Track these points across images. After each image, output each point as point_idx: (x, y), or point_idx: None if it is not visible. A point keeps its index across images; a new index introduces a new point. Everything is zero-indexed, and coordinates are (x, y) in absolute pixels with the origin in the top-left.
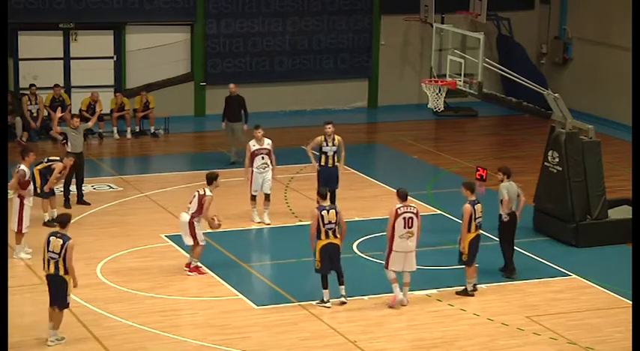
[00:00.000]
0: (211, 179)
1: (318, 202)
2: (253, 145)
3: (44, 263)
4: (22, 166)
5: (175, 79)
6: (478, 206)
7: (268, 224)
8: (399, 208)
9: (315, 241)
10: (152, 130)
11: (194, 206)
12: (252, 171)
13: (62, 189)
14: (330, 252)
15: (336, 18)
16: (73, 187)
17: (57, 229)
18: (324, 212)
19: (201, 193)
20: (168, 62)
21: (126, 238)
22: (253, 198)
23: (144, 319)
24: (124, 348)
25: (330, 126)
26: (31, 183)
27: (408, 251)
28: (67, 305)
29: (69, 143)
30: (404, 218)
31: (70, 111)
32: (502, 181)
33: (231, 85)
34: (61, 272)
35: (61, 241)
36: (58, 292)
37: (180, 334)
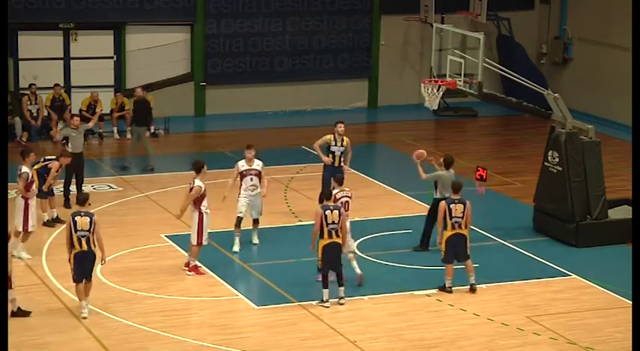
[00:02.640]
0: (199, 167)
1: (321, 202)
2: (242, 165)
3: (74, 243)
4: (25, 169)
5: (175, 79)
6: (458, 206)
7: (256, 243)
8: (337, 193)
9: (318, 241)
10: (152, 130)
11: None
12: (240, 192)
13: (62, 189)
14: (332, 252)
15: (336, 18)
16: (73, 187)
17: (78, 209)
18: (327, 212)
19: (192, 185)
20: (168, 62)
21: (126, 238)
22: (238, 223)
23: (144, 319)
24: (124, 348)
25: (342, 125)
26: (34, 183)
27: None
28: (91, 276)
29: (69, 143)
30: (341, 202)
31: (70, 111)
32: (439, 168)
33: (138, 90)
34: (92, 247)
35: (88, 219)
36: (90, 266)
37: (180, 334)
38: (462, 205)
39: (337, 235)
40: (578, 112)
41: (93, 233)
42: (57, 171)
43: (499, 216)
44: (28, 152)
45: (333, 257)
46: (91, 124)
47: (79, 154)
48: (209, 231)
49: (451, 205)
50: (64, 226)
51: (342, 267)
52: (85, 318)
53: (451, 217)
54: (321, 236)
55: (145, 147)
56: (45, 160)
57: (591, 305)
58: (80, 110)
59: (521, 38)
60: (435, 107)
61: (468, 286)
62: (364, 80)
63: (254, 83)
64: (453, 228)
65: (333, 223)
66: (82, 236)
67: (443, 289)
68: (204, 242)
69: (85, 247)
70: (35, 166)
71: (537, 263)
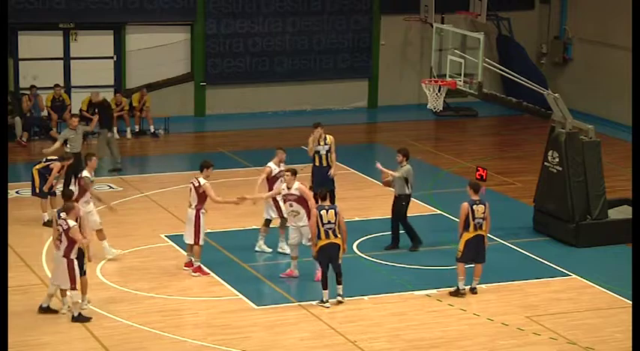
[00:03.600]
0: (203, 167)
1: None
2: (275, 168)
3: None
4: (85, 173)
5: (175, 79)
6: (479, 207)
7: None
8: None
9: (316, 241)
10: (152, 130)
11: (194, 199)
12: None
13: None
14: (330, 252)
15: (336, 18)
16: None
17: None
18: (322, 212)
19: (196, 184)
20: (168, 62)
21: (126, 238)
22: (268, 223)
23: (144, 319)
24: (124, 348)
25: (319, 129)
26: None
27: None
28: (84, 272)
29: (68, 143)
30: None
31: (70, 111)
32: (402, 163)
33: (95, 94)
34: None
35: None
36: (80, 262)
37: (180, 334)
38: (482, 206)
39: (334, 236)
40: (578, 112)
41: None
42: (58, 172)
43: (499, 216)
44: (90, 156)
45: (330, 257)
46: (90, 127)
47: (78, 154)
48: (208, 230)
49: (473, 206)
50: None
51: (340, 266)
52: (64, 314)
53: (474, 218)
54: (318, 237)
55: (99, 148)
56: (47, 161)
57: (591, 305)
58: (80, 110)
59: (521, 38)
60: (440, 108)
61: (469, 287)
62: (364, 80)
63: (254, 83)
64: (475, 229)
65: (329, 222)
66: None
67: (456, 293)
68: (201, 242)
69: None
70: (37, 166)
71: (537, 263)
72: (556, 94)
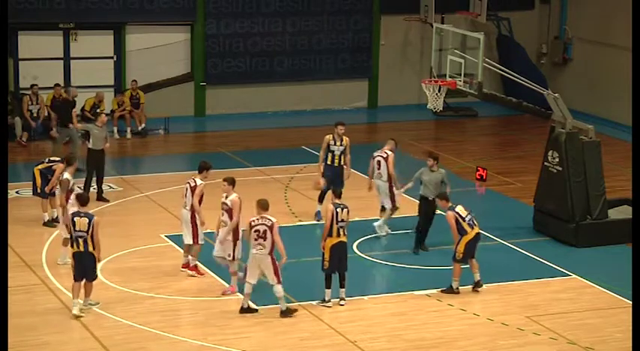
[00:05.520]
0: (202, 168)
1: (320, 202)
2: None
3: (73, 242)
4: (67, 175)
5: (175, 79)
6: (459, 207)
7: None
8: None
9: (327, 237)
10: (141, 128)
11: (189, 200)
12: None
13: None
14: (340, 251)
15: (336, 18)
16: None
17: (78, 209)
18: (338, 210)
19: (192, 184)
20: (168, 62)
21: (126, 238)
22: (384, 209)
23: (144, 319)
24: (124, 348)
25: (342, 127)
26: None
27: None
28: (96, 277)
29: (91, 140)
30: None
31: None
32: (432, 167)
33: (57, 89)
34: (90, 248)
35: (86, 220)
36: (89, 266)
37: (180, 334)
38: (461, 206)
39: (344, 234)
40: (578, 112)
41: (90, 235)
42: (61, 173)
43: (499, 216)
44: (73, 159)
45: (340, 258)
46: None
47: (100, 151)
48: (208, 231)
49: (456, 210)
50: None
51: (346, 268)
52: (75, 314)
53: (464, 219)
54: (330, 234)
55: (75, 149)
56: (49, 161)
57: (591, 305)
58: (82, 110)
59: (521, 38)
60: (440, 109)
61: (472, 285)
62: (364, 80)
63: (254, 83)
64: (472, 228)
65: (342, 221)
66: (80, 237)
67: (450, 290)
68: (201, 241)
69: (81, 248)
70: (39, 166)
71: (537, 263)
72: (556, 94)
